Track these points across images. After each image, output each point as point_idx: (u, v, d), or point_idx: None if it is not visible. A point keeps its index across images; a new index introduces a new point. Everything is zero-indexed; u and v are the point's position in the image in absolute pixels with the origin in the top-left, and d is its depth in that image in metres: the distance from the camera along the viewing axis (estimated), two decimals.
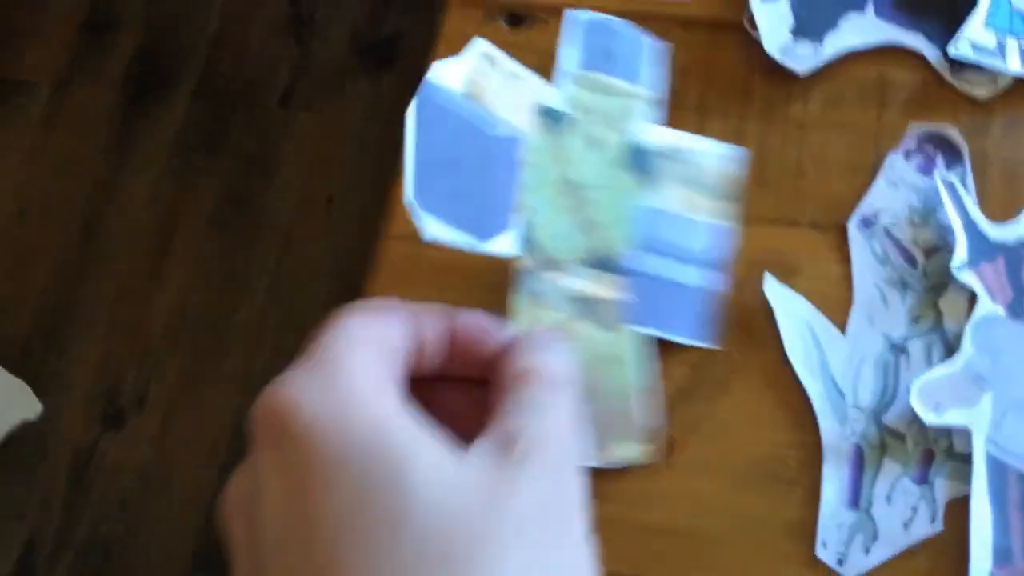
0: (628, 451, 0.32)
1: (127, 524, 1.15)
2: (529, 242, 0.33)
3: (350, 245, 1.22)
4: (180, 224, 1.27)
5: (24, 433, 1.19)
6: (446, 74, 0.32)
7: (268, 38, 1.35)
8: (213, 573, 1.13)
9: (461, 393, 0.27)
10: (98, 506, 1.16)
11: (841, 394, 0.38)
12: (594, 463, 0.33)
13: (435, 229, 0.31)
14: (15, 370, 1.22)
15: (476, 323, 0.27)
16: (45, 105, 1.35)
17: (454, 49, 0.47)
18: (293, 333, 1.23)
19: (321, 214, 1.27)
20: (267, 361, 1.20)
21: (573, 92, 0.34)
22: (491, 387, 0.26)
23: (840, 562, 0.36)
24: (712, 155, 0.35)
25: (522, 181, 0.33)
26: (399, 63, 1.32)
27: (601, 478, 0.38)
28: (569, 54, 0.34)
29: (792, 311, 0.39)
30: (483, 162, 0.32)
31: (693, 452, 0.39)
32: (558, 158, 0.33)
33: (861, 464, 0.37)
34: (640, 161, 0.34)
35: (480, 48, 0.33)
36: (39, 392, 1.21)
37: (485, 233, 0.32)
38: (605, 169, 0.34)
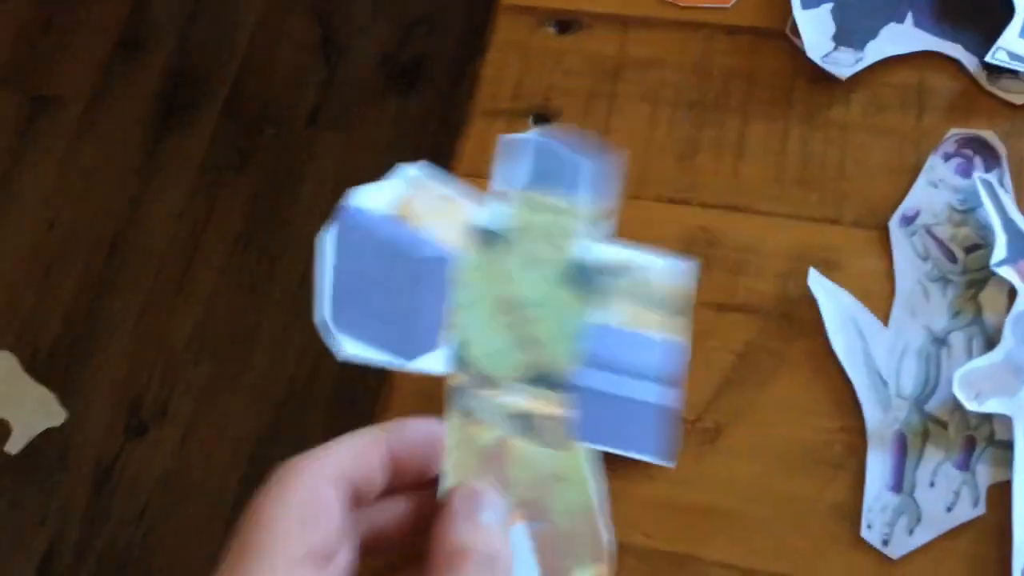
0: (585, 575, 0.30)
1: (147, 532, 1.16)
2: (461, 359, 0.31)
3: None
4: (206, 239, 1.29)
5: (48, 440, 1.21)
6: (369, 199, 0.31)
7: (297, 59, 1.38)
8: None
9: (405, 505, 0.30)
10: (119, 514, 1.17)
11: (884, 383, 0.39)
12: None
13: (352, 348, 0.29)
14: (41, 378, 1.24)
15: (418, 441, 0.29)
16: (77, 120, 1.38)
17: (504, 56, 0.49)
18: (314, 349, 1.25)
19: None
20: (289, 375, 1.21)
21: (508, 211, 0.33)
22: (426, 549, 0.27)
23: (885, 543, 0.37)
24: (661, 270, 0.33)
25: (453, 300, 0.31)
26: (425, 84, 1.35)
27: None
28: (504, 173, 0.33)
29: (836, 304, 0.41)
30: (409, 283, 0.31)
31: (739, 437, 0.40)
32: (493, 276, 0.32)
33: (904, 450, 0.38)
34: (584, 278, 0.32)
35: (408, 173, 0.32)
36: (63, 400, 1.23)
37: (410, 353, 0.30)
38: (546, 286, 0.32)
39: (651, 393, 0.32)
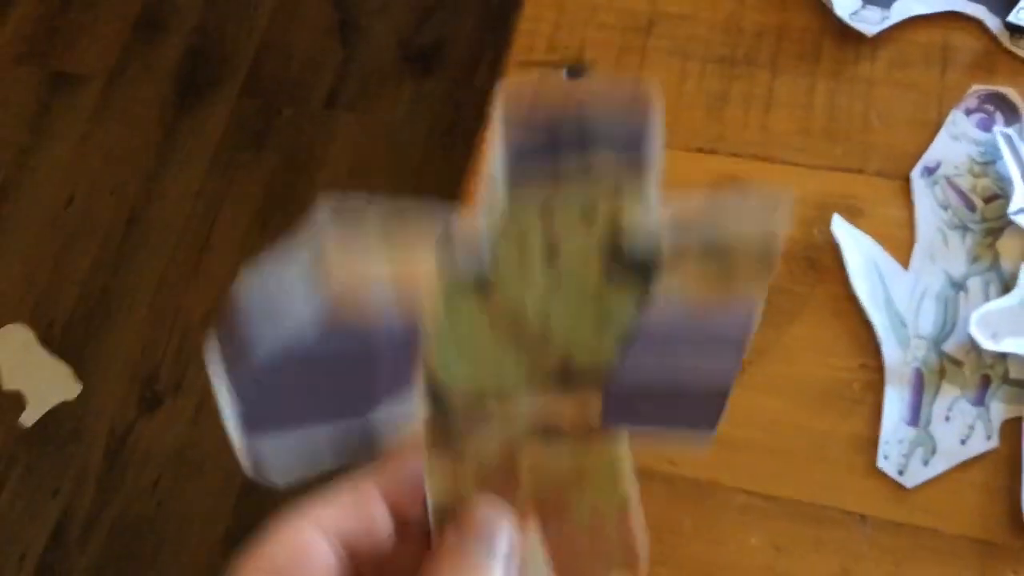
0: None
1: (159, 504, 1.18)
2: (435, 398, 0.26)
3: None
4: (223, 217, 1.31)
5: (62, 413, 1.22)
6: (286, 316, 0.23)
7: (315, 41, 1.39)
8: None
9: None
10: (131, 486, 1.19)
11: (903, 324, 0.41)
12: None
13: (287, 462, 0.25)
14: (56, 352, 1.25)
15: (419, 479, 0.26)
16: (97, 98, 1.39)
17: (540, 10, 0.50)
18: None
19: None
20: None
21: (502, 204, 0.25)
22: None
23: (900, 472, 0.38)
24: (741, 210, 0.25)
25: (424, 346, 0.25)
26: (441, 68, 1.36)
27: None
28: (498, 154, 0.25)
29: (858, 248, 0.42)
30: (363, 367, 0.25)
31: (762, 373, 0.41)
32: (485, 294, 0.26)
33: (921, 386, 0.40)
34: (632, 257, 0.25)
35: (322, 215, 0.23)
36: (79, 373, 1.24)
37: (370, 406, 0.25)
38: (573, 280, 0.26)
39: (709, 366, 0.26)
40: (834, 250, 0.42)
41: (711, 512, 0.39)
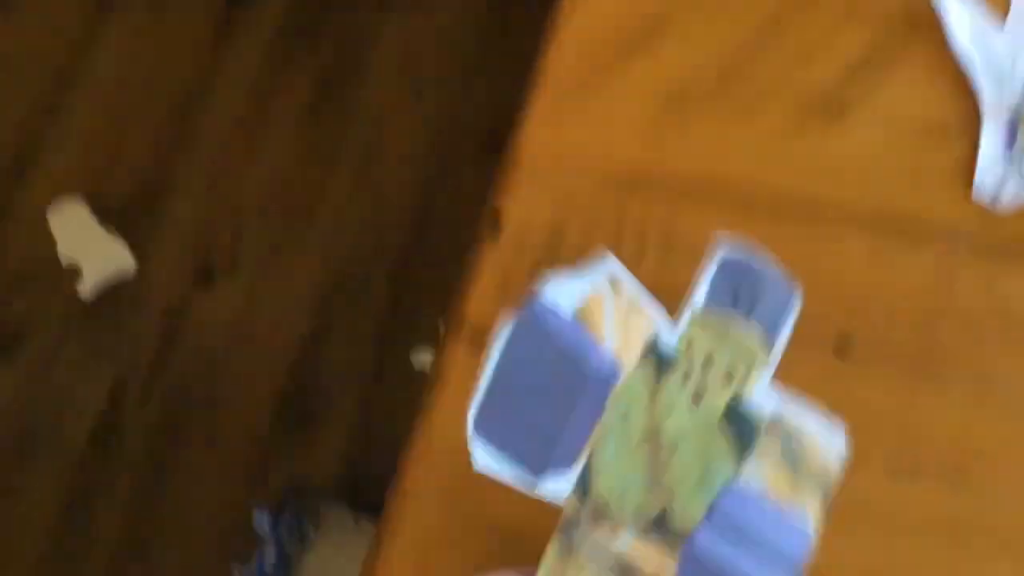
0: None
1: (212, 376, 1.22)
2: (584, 485, 0.29)
3: (438, 138, 1.29)
4: (275, 108, 1.33)
5: (119, 287, 1.26)
6: (560, 292, 0.28)
7: None
8: (292, 424, 1.19)
9: None
10: (186, 358, 1.23)
11: (1000, 76, 0.44)
12: None
13: (486, 459, 0.29)
14: (113, 229, 1.28)
15: None
16: None
17: None
18: (376, 213, 1.29)
19: (410, 107, 1.32)
20: (353, 237, 1.26)
21: (691, 332, 0.29)
22: None
23: (994, 201, 0.42)
24: (813, 432, 0.29)
25: (603, 422, 0.29)
26: None
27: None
28: (701, 287, 0.30)
29: (957, 8, 0.45)
30: (568, 398, 0.28)
31: (866, 110, 0.44)
32: (652, 405, 0.29)
33: (1015, 130, 0.43)
34: (739, 426, 0.29)
35: (607, 266, 0.29)
36: (135, 250, 1.27)
37: (543, 468, 0.29)
38: (701, 426, 0.29)
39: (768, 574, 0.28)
40: (932, 12, 0.45)
41: (817, 224, 0.42)
